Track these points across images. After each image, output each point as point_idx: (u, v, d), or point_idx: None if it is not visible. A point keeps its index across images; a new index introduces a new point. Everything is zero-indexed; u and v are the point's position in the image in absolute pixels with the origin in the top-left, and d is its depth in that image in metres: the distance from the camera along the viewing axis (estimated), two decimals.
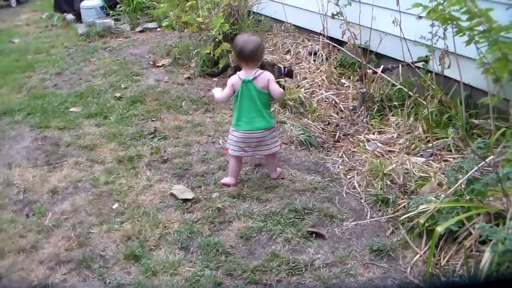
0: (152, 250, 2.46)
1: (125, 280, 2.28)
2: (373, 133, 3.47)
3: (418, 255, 2.35)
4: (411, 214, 2.47)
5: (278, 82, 3.09)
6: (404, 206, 2.64)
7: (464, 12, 2.73)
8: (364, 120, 3.68)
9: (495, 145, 2.70)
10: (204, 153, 3.38)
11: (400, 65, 3.67)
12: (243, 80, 2.87)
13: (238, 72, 2.94)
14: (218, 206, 2.77)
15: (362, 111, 3.74)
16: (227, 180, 3.01)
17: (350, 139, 3.51)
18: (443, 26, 2.95)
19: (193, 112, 4.05)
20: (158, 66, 5.15)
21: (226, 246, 2.47)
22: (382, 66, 3.83)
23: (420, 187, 2.75)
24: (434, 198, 2.44)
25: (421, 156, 3.07)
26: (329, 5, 4.24)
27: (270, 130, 2.95)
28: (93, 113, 4.06)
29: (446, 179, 2.60)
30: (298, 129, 3.54)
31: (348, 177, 3.06)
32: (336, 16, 4.07)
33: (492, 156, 2.41)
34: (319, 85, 4.24)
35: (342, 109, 3.88)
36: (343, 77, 4.37)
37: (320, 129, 3.66)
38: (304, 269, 2.31)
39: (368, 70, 3.75)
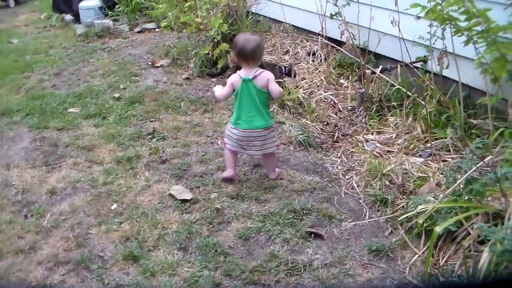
0: (151, 251, 2.46)
1: (124, 281, 2.28)
2: (372, 133, 3.47)
3: (417, 255, 2.35)
4: (410, 214, 2.47)
5: (278, 82, 3.09)
6: (403, 206, 2.64)
7: (462, 12, 2.73)
8: (363, 120, 3.68)
9: (493, 145, 2.70)
10: (203, 153, 3.38)
11: (398, 65, 3.67)
12: (243, 79, 2.87)
13: (238, 71, 2.95)
14: (217, 206, 2.77)
15: (360, 111, 3.74)
16: (226, 173, 3.00)
17: (349, 139, 3.51)
18: (442, 26, 2.94)
19: (192, 112, 4.05)
20: (157, 67, 5.14)
21: (225, 246, 2.47)
22: (380, 66, 3.83)
23: (419, 187, 2.75)
24: (432, 198, 2.45)
25: (420, 156, 3.08)
26: (327, 6, 4.25)
27: (269, 129, 2.95)
28: (92, 113, 4.06)
29: (444, 179, 2.60)
30: (297, 129, 3.54)
31: (346, 177, 3.06)
32: (334, 17, 4.08)
33: (490, 156, 2.41)
34: (318, 86, 4.24)
35: (341, 109, 3.88)
36: (342, 77, 4.37)
37: (319, 129, 3.65)
38: (302, 270, 2.31)
39: (366, 70, 3.75)
